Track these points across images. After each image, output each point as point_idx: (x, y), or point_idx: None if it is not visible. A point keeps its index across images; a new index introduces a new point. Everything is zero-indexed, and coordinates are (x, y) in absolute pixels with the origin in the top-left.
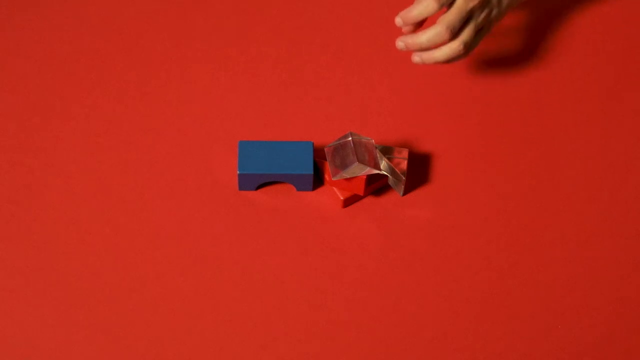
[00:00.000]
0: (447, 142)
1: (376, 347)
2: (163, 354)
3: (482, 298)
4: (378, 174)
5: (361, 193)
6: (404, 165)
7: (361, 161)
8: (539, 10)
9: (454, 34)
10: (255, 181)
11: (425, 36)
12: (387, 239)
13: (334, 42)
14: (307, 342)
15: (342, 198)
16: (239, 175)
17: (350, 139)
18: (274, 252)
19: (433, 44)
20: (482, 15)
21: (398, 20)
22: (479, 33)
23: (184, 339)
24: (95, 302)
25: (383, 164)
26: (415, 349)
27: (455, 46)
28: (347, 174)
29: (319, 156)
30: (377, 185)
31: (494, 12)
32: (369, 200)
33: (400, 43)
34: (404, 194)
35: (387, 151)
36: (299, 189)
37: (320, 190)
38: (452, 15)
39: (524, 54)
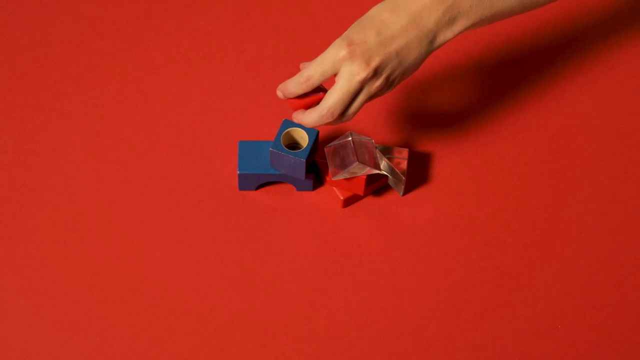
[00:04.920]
0: (447, 142)
1: (376, 347)
2: (163, 353)
3: (482, 298)
4: (378, 174)
5: (361, 193)
6: (404, 165)
7: (361, 161)
8: (540, 11)
9: (338, 114)
10: (255, 181)
11: (311, 119)
12: (387, 239)
13: (333, 41)
14: (307, 342)
15: (342, 198)
16: (239, 175)
17: (350, 139)
18: (274, 252)
19: (319, 125)
20: (376, 84)
21: (279, 93)
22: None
23: (184, 339)
24: (95, 301)
25: (383, 164)
26: (415, 349)
27: (322, 121)
28: (347, 174)
29: (319, 156)
30: (377, 185)
31: (397, 72)
32: (369, 200)
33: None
34: (404, 194)
35: (387, 151)
36: (299, 189)
37: (320, 190)
38: (335, 97)
39: (524, 53)
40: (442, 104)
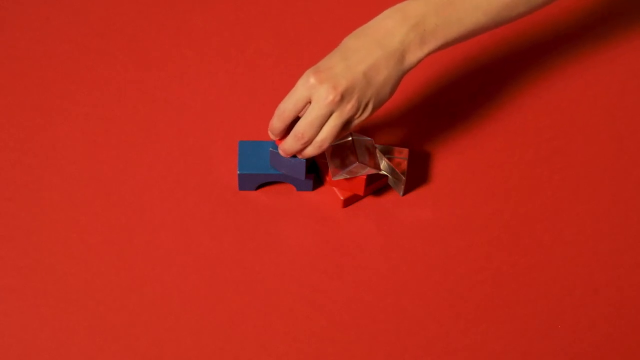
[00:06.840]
0: (447, 142)
1: (376, 347)
2: (163, 354)
3: (482, 298)
4: (378, 174)
5: (361, 193)
6: (404, 165)
7: (361, 161)
8: (539, 12)
9: (310, 137)
10: (255, 181)
11: (287, 144)
12: (387, 239)
13: (333, 41)
14: (307, 342)
15: (342, 198)
16: (239, 175)
17: (350, 139)
18: (274, 252)
19: (297, 151)
20: (348, 107)
21: (270, 135)
22: (348, 124)
23: (184, 339)
24: (95, 302)
25: (383, 164)
26: (415, 349)
27: (296, 146)
28: (347, 174)
29: (319, 156)
30: (377, 185)
31: (368, 94)
32: (369, 200)
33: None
34: (404, 194)
35: (387, 151)
36: (299, 189)
37: (320, 190)
38: (305, 120)
39: (524, 54)
40: (442, 104)
